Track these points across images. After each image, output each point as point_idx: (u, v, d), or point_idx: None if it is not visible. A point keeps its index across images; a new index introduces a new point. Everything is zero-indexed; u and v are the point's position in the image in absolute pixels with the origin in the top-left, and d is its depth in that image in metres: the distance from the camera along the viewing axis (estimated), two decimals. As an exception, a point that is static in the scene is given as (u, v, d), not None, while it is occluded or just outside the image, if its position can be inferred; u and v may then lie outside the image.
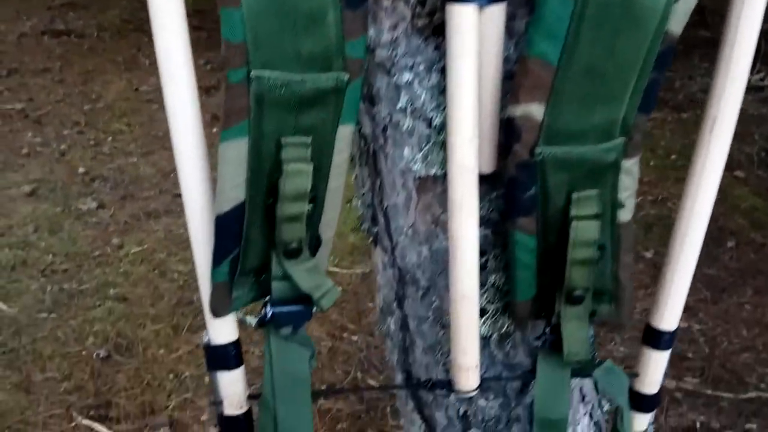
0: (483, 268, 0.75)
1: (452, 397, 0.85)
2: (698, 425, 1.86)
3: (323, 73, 0.61)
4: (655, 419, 0.85)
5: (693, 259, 0.74)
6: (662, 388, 0.83)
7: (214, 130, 2.94)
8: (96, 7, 5.38)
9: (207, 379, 1.98)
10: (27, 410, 1.87)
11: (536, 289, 0.72)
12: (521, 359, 0.83)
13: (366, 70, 0.67)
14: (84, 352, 2.08)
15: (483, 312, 0.77)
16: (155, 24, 0.59)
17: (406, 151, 0.73)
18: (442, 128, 0.70)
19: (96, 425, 1.84)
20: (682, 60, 4.10)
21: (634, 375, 0.81)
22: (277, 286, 0.69)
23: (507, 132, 0.65)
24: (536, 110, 0.63)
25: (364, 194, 0.82)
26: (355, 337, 2.17)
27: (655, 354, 0.79)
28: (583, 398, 0.90)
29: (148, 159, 3.29)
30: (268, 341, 0.72)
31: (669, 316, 0.77)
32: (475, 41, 0.61)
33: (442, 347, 0.83)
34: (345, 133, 0.66)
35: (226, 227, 0.65)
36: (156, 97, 3.95)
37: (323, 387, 1.91)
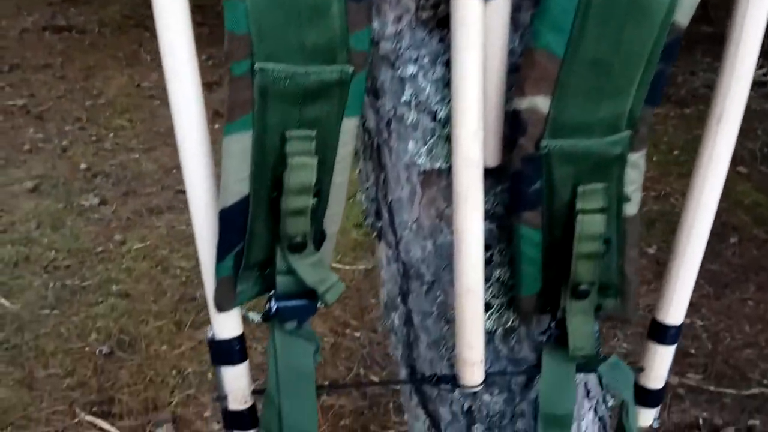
0: (488, 262, 0.74)
1: (457, 392, 0.85)
2: (701, 421, 1.85)
3: (327, 65, 0.61)
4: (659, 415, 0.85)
5: (699, 253, 0.73)
6: (666, 384, 0.83)
7: (216, 126, 2.94)
8: (97, 2, 5.37)
9: (210, 375, 1.98)
10: (30, 406, 1.87)
11: (541, 283, 0.72)
12: (526, 354, 0.82)
13: (370, 63, 0.67)
14: (87, 349, 2.08)
15: (488, 307, 0.77)
16: (159, 19, 0.58)
17: (411, 145, 0.73)
18: (447, 121, 0.70)
19: (99, 421, 1.83)
20: (684, 55, 4.09)
21: (639, 370, 0.81)
22: (282, 281, 0.69)
23: (512, 125, 0.65)
24: (542, 103, 0.62)
25: (368, 188, 0.82)
26: (357, 334, 2.17)
27: (660, 348, 0.79)
28: (587, 393, 0.89)
29: (149, 155, 3.28)
30: (273, 336, 0.72)
31: (675, 310, 0.77)
32: (480, 33, 0.60)
33: (447, 342, 0.82)
34: (349, 126, 0.66)
35: (231, 221, 0.65)
36: (158, 93, 3.95)
37: (326, 383, 1.91)
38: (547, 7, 0.60)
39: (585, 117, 0.63)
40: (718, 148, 0.68)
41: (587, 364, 0.77)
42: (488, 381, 0.77)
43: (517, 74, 0.63)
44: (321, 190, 0.67)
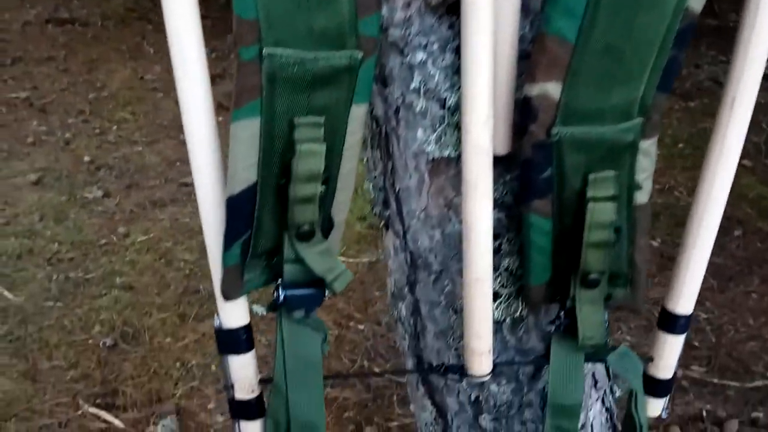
0: (496, 251, 0.74)
1: (464, 382, 0.84)
2: (705, 414, 1.85)
3: (336, 50, 0.60)
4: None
5: (709, 242, 0.73)
6: (675, 374, 0.83)
7: (221, 118, 2.93)
8: (100, -5, 5.37)
9: (213, 367, 1.98)
10: (33, 398, 1.87)
11: (551, 272, 0.71)
12: (534, 344, 0.82)
13: (379, 49, 0.66)
14: (90, 341, 2.08)
15: (496, 296, 0.77)
16: (166, 4, 0.58)
17: (420, 133, 0.72)
18: (456, 109, 0.69)
19: (102, 413, 1.83)
20: (689, 48, 4.07)
21: (648, 359, 0.81)
22: (290, 269, 0.68)
23: (523, 112, 0.64)
24: (553, 89, 0.61)
25: (375, 177, 0.81)
26: (361, 326, 2.16)
27: (670, 338, 0.78)
28: (595, 384, 0.89)
29: (153, 148, 3.28)
30: (280, 325, 0.71)
31: (685, 300, 0.76)
32: (490, 19, 0.60)
33: (454, 332, 0.82)
34: (358, 114, 0.65)
35: (238, 209, 0.64)
36: (161, 86, 3.94)
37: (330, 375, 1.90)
38: None
39: (597, 103, 0.62)
40: (731, 133, 0.68)
41: (596, 354, 0.77)
42: (496, 371, 0.76)
43: (528, 61, 0.63)
44: (329, 178, 0.66)
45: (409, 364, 0.91)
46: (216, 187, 0.65)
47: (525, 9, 0.64)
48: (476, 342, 0.73)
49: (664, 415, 0.85)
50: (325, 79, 0.61)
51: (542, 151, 0.64)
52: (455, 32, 0.66)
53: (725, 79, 0.68)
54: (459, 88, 0.66)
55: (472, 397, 0.85)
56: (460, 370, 0.76)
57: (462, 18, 0.61)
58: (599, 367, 0.89)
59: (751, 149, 3.00)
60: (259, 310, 1.95)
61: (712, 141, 0.70)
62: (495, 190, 0.69)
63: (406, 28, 0.67)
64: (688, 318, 0.77)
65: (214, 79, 3.81)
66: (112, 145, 3.31)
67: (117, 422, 1.81)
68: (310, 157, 0.63)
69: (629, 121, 0.64)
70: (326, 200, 0.68)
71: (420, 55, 0.68)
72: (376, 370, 2.00)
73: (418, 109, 0.71)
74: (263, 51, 0.58)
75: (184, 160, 3.07)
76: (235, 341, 0.71)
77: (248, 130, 0.61)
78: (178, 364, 2.00)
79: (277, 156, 0.63)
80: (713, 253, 0.76)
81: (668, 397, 0.84)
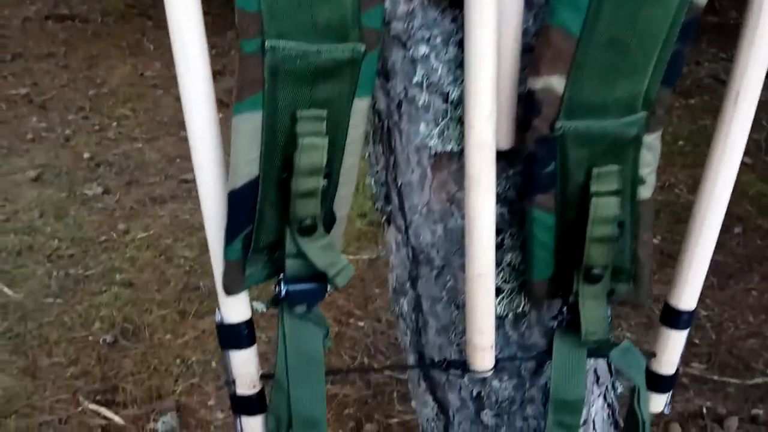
0: (499, 246, 0.74)
1: (466, 378, 0.84)
2: (705, 410, 1.85)
3: (339, 43, 0.60)
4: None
5: (713, 236, 0.73)
6: (678, 370, 0.82)
7: (221, 115, 2.92)
8: (100, -9, 5.36)
9: (214, 364, 1.98)
10: (33, 395, 1.87)
11: (554, 267, 0.71)
12: (536, 339, 0.82)
13: (382, 42, 0.66)
14: (90, 337, 2.08)
15: (498, 291, 0.76)
16: (168, 3, 0.57)
17: (422, 127, 0.72)
18: (459, 103, 0.69)
19: (102, 410, 1.83)
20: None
21: (651, 355, 0.80)
22: (291, 264, 0.68)
23: (527, 106, 0.64)
24: (557, 83, 0.61)
25: (377, 172, 0.81)
26: (361, 323, 2.16)
27: (673, 333, 0.78)
28: (597, 380, 0.89)
29: (153, 144, 3.27)
30: (282, 320, 0.71)
31: (688, 295, 0.76)
32: (494, 12, 0.59)
33: (456, 328, 0.82)
34: (361, 107, 0.65)
35: (240, 203, 0.64)
36: (161, 83, 3.94)
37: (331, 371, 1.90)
38: None
39: (601, 97, 0.62)
40: (734, 129, 0.68)
41: (599, 349, 0.76)
42: (498, 367, 0.76)
43: (532, 54, 0.62)
44: (331, 172, 0.66)
45: (411, 359, 0.90)
46: (217, 183, 0.64)
47: (528, 2, 0.63)
48: (478, 337, 0.72)
49: (666, 411, 0.84)
50: (327, 72, 0.61)
51: (546, 145, 0.64)
52: (458, 25, 0.66)
53: (728, 76, 0.68)
54: (462, 82, 0.66)
55: (474, 393, 0.85)
56: (462, 365, 0.76)
57: (465, 11, 0.60)
58: (601, 363, 0.89)
59: (752, 146, 2.99)
60: (260, 306, 1.95)
61: (715, 137, 0.69)
62: (498, 185, 0.69)
63: (408, 21, 0.67)
64: (690, 314, 0.77)
65: (215, 75, 3.73)
66: (112, 142, 3.30)
67: (117, 419, 1.81)
68: (312, 150, 0.62)
69: (633, 115, 0.63)
70: (328, 194, 0.67)
71: (423, 49, 0.68)
72: (376, 366, 2.00)
73: (420, 103, 0.70)
74: (265, 43, 0.58)
75: (184, 156, 3.07)
76: (236, 336, 0.71)
77: (250, 124, 0.61)
78: (178, 360, 2.00)
79: (279, 150, 0.63)
80: (713, 251, 0.76)
81: (671, 392, 0.84)
